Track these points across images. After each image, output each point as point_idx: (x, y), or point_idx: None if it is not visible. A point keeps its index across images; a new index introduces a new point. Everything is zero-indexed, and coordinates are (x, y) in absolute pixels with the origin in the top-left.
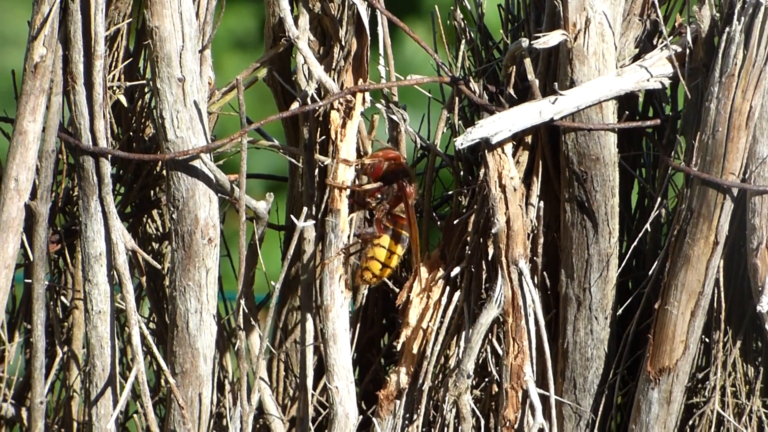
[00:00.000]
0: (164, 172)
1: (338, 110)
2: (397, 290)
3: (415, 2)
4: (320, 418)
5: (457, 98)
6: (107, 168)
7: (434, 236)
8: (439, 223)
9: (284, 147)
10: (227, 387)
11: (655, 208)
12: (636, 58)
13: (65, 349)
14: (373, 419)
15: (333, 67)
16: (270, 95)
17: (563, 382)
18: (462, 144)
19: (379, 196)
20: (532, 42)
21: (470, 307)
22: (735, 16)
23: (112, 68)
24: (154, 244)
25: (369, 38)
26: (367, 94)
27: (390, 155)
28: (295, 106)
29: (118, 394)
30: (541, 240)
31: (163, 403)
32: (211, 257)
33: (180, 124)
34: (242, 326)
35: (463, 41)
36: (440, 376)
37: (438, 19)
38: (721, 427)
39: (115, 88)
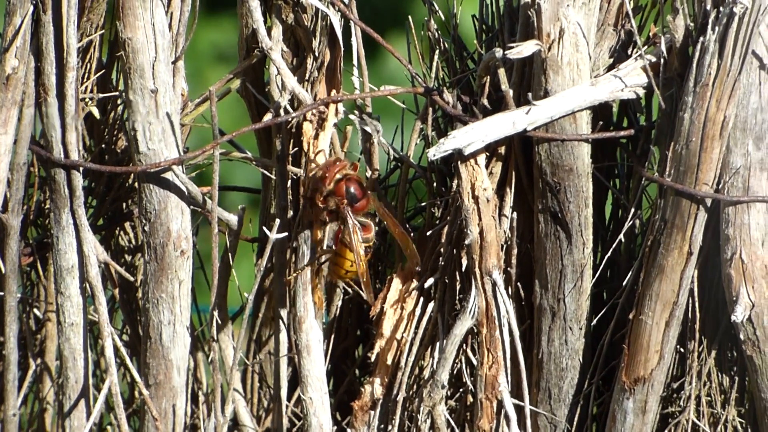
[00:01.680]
0: (136, 184)
1: (311, 121)
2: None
3: (404, 16)
4: (294, 429)
5: (430, 109)
6: (79, 180)
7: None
8: (412, 234)
9: (257, 159)
10: (201, 398)
11: (629, 219)
12: (610, 68)
13: (38, 361)
14: (348, 430)
15: (306, 78)
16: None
17: (538, 393)
18: (434, 155)
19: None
20: (506, 52)
21: (444, 317)
22: (709, 26)
23: (85, 80)
24: (126, 256)
25: (342, 49)
26: (340, 105)
27: (335, 168)
28: (268, 117)
29: (92, 406)
30: (515, 251)
31: (137, 415)
32: (183, 269)
33: (152, 136)
34: (216, 337)
35: (437, 52)
36: (415, 386)
37: (412, 29)
38: None
39: (87, 99)
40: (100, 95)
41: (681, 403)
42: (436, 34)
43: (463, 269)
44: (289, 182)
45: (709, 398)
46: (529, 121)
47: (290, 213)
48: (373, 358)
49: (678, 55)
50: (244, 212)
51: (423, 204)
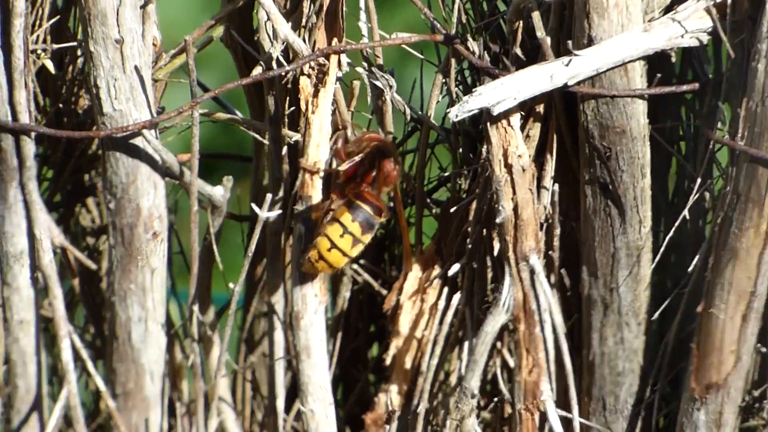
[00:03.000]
0: (100, 152)
1: (309, 76)
2: (385, 292)
3: None
4: None
5: (453, 60)
6: (30, 148)
7: (429, 227)
8: (434, 211)
9: (246, 120)
10: (181, 410)
11: (695, 191)
12: (667, 10)
13: None
14: None
15: (302, 24)
16: None
17: (589, 402)
18: (457, 115)
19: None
20: None
21: (473, 312)
22: None
23: (36, 28)
24: (88, 239)
25: None
26: (344, 57)
27: (373, 138)
28: (257, 71)
29: (46, 420)
30: (558, 231)
31: (103, 431)
32: (156, 255)
33: (118, 95)
34: (197, 337)
35: None
36: (439, 395)
37: None
38: None
39: (39, 51)
40: (55, 46)
41: (765, 415)
42: None
43: (495, 253)
44: (285, 149)
45: None
46: (570, 74)
47: (286, 186)
48: (388, 361)
49: None
50: (231, 185)
51: (446, 174)
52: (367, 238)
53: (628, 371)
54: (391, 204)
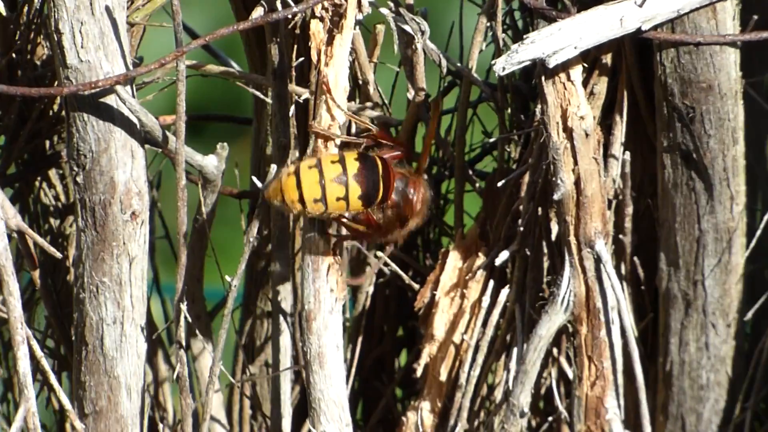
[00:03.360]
0: (64, 113)
1: (322, 19)
2: (417, 286)
3: None
4: None
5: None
6: None
7: (472, 204)
8: (477, 185)
9: (244, 74)
10: None
11: None
12: None
13: None
14: None
15: None
16: None
17: (666, 422)
18: (504, 69)
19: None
20: None
21: (524, 311)
22: None
23: None
24: (52, 220)
25: None
26: None
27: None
28: (258, 12)
29: None
30: (629, 209)
31: None
32: (135, 240)
33: (86, 42)
34: (185, 343)
35: None
36: (481, 413)
37: None
38: None
39: None
40: None
41: None
42: None
43: (553, 238)
44: (293, 108)
45: None
46: (644, 16)
47: (294, 154)
48: (419, 372)
49: None
50: (226, 154)
51: (492, 140)
52: (356, 198)
53: (714, 384)
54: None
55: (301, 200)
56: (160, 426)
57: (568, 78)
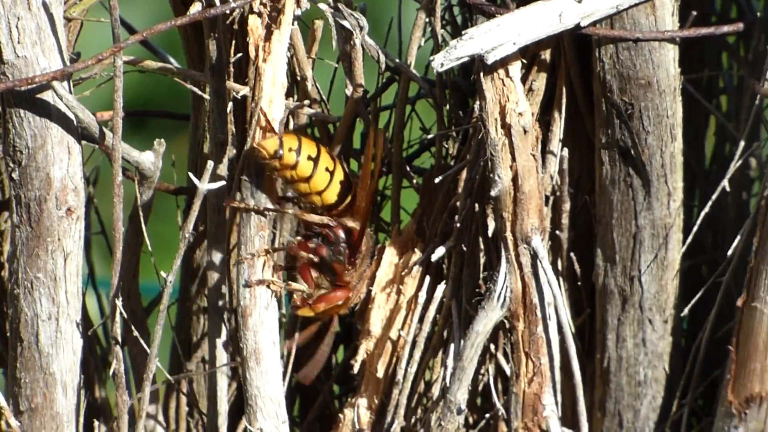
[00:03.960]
0: (0, 109)
1: (260, 14)
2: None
3: None
4: None
5: None
6: None
7: (409, 201)
8: (415, 181)
9: (182, 71)
10: (100, 430)
11: (737, 157)
12: None
13: None
14: None
15: None
16: None
17: (603, 418)
18: (442, 65)
19: None
20: None
21: (461, 307)
22: None
23: None
24: None
25: None
26: None
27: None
28: (196, 8)
29: None
30: (567, 206)
31: None
32: (71, 236)
33: (22, 38)
34: (121, 339)
35: None
36: (418, 410)
37: None
38: None
39: None
40: None
41: None
42: None
43: (489, 234)
44: (230, 105)
45: None
46: (583, 12)
47: (231, 150)
48: (356, 369)
49: None
50: (163, 150)
51: (430, 136)
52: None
53: (651, 380)
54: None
55: (297, 150)
56: (96, 423)
57: (507, 74)
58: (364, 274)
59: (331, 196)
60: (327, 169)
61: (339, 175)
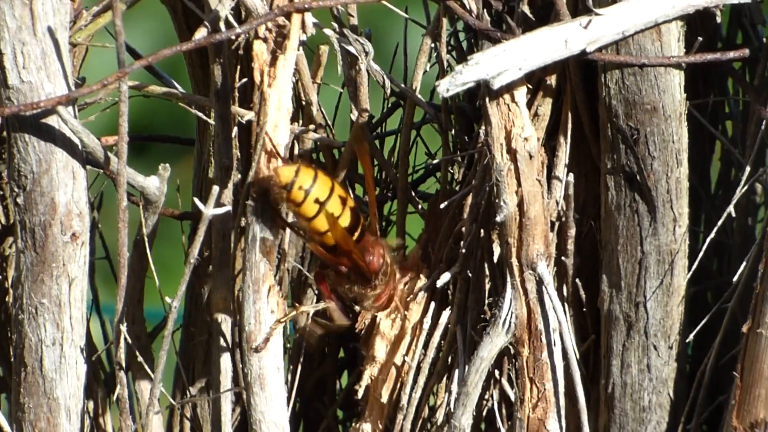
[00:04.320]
0: (4, 134)
1: (266, 40)
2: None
3: None
4: None
5: (445, 20)
6: None
7: (414, 226)
8: (420, 206)
9: (187, 95)
10: None
11: (743, 183)
12: None
13: None
14: None
15: None
16: None
17: None
18: (448, 89)
19: None
20: None
21: (466, 332)
22: None
23: None
24: None
25: None
26: (308, 15)
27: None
28: (201, 33)
29: None
30: (572, 231)
31: None
32: (76, 261)
33: (27, 63)
34: (125, 364)
35: None
36: None
37: None
38: None
39: None
40: None
41: None
42: None
43: (495, 260)
44: (235, 130)
45: None
46: (589, 38)
47: (236, 175)
48: (360, 394)
49: None
50: (168, 175)
51: (436, 161)
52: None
53: (656, 406)
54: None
55: (306, 191)
56: None
57: (513, 99)
58: (394, 283)
59: (331, 239)
60: (332, 215)
61: (345, 219)
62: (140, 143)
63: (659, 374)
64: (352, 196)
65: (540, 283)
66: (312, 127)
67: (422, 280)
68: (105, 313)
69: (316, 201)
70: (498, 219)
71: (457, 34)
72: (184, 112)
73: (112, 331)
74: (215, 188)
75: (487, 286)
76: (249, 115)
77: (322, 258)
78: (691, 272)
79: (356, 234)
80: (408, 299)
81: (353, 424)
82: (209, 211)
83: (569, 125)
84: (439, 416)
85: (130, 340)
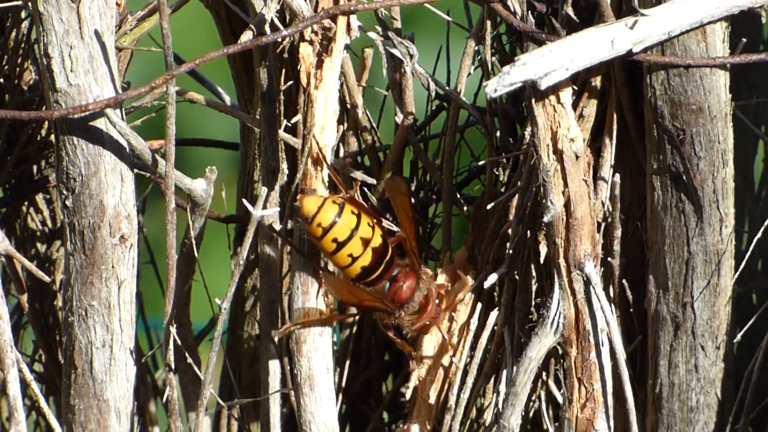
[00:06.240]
0: (53, 137)
1: (311, 42)
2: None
3: None
4: None
5: (489, 23)
6: None
7: (460, 228)
8: (465, 208)
9: (232, 111)
10: None
11: None
12: None
13: None
14: None
15: None
16: None
17: None
18: (495, 90)
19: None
20: None
21: (514, 333)
22: None
23: None
24: (39, 245)
25: None
26: (354, 18)
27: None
28: (247, 37)
29: None
30: (619, 232)
31: None
32: (124, 264)
33: (75, 66)
34: (174, 366)
35: None
36: None
37: None
38: None
39: None
40: None
41: None
42: None
43: (541, 260)
44: (281, 132)
45: None
46: (635, 38)
47: (283, 178)
48: (408, 395)
49: None
50: (215, 177)
51: (481, 163)
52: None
53: (704, 406)
54: None
55: (325, 230)
56: None
57: (558, 100)
58: (433, 307)
59: (353, 273)
60: (350, 255)
61: (366, 259)
62: (186, 147)
63: (707, 374)
64: (382, 223)
65: (588, 283)
66: (349, 161)
67: (469, 282)
68: (152, 316)
69: (334, 241)
70: (545, 219)
71: (500, 36)
72: (227, 117)
73: (155, 335)
74: (264, 189)
75: (534, 287)
76: (295, 119)
77: (336, 298)
78: (737, 273)
79: (380, 269)
80: (456, 301)
81: (400, 426)
82: (258, 212)
83: (614, 126)
84: (488, 417)
85: (179, 342)
